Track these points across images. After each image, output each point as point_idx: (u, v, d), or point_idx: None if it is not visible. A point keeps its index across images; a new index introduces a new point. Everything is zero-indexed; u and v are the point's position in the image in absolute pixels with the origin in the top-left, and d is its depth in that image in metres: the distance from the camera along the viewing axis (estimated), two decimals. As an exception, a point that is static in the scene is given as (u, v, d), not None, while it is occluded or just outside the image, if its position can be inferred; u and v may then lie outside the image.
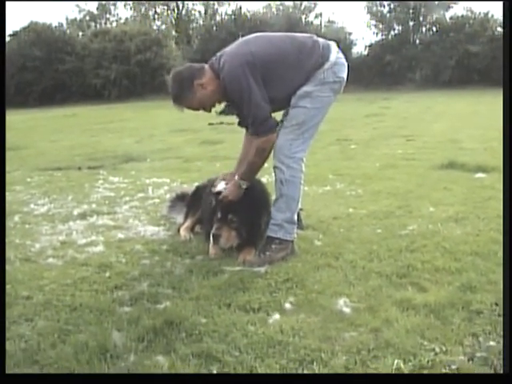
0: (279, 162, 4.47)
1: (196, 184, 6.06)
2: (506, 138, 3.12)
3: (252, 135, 4.57)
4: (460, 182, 7.34)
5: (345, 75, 4.60)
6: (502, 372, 2.68)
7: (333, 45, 4.62)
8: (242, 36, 4.81)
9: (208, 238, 4.79)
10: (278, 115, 4.62)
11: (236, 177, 4.64)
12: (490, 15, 48.05)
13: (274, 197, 4.65)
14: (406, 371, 2.74)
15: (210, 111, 4.69)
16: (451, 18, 50.47)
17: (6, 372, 2.84)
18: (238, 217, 4.63)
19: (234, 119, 4.95)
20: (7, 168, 10.27)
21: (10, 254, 4.92)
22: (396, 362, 2.82)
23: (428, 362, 2.85)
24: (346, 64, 4.63)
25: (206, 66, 4.52)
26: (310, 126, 4.52)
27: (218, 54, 4.56)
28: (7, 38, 39.41)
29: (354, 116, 19.89)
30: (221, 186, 4.76)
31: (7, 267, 4.61)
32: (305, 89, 4.47)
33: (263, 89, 4.36)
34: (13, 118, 26.22)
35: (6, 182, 4.72)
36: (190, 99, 4.48)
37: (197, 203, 5.43)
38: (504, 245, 3.18)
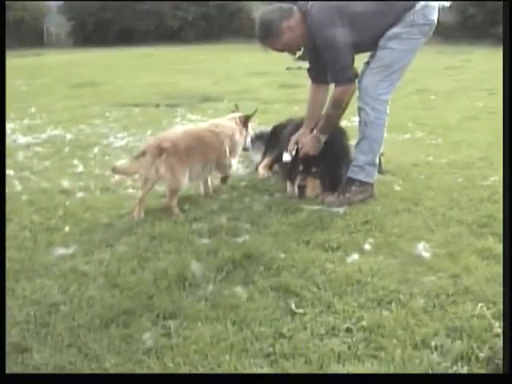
0: (364, 104, 4.38)
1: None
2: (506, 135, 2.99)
3: (330, 82, 4.50)
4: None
5: (435, 18, 4.43)
6: None
7: None
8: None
9: (285, 177, 4.77)
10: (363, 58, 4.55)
11: (315, 131, 4.60)
12: None
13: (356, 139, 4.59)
14: (488, 317, 2.69)
15: (294, 54, 4.62)
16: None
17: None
18: (320, 167, 4.60)
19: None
20: (84, 102, 10.48)
21: (89, 183, 5.04)
22: (479, 305, 2.78)
23: (509, 310, 2.80)
24: (436, 6, 4.46)
25: (295, 8, 4.41)
26: (397, 68, 4.41)
27: None
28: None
29: (434, 67, 19.38)
30: (286, 157, 4.76)
31: (87, 196, 4.71)
32: (394, 30, 4.35)
33: (348, 37, 4.24)
34: (89, 55, 26.60)
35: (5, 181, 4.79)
36: (278, 41, 4.40)
37: (275, 142, 5.40)
38: (504, 246, 3.13)
